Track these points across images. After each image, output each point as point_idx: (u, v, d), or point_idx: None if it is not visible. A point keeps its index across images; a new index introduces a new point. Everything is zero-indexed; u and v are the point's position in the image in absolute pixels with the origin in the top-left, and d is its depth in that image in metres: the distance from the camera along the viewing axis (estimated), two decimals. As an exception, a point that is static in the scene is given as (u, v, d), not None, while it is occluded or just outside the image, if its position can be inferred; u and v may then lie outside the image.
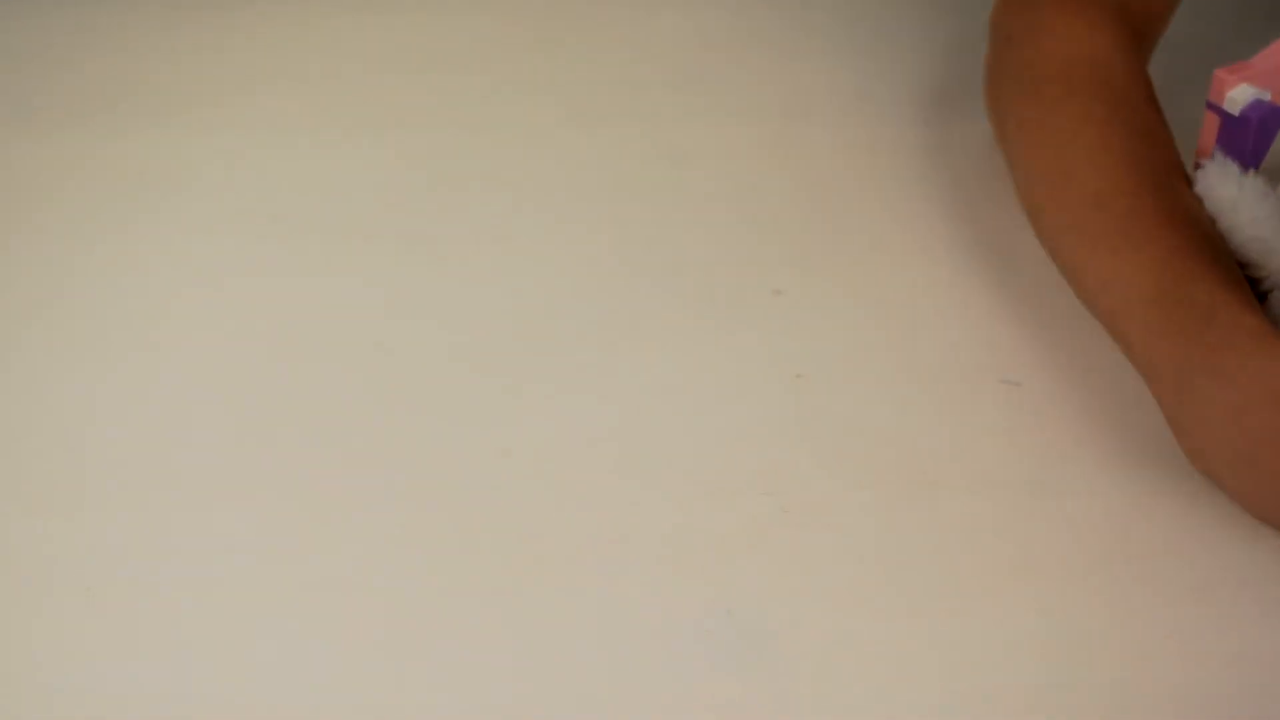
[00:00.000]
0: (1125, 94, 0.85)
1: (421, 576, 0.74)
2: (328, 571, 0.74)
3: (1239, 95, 0.83)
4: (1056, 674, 0.69)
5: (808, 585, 0.74)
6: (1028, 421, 0.83)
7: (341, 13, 1.34)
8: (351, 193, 1.06)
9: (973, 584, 0.74)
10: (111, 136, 1.14)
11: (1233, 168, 0.83)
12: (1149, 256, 0.78)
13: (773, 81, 1.18)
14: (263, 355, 0.90)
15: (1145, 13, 0.88)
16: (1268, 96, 0.84)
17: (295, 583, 0.74)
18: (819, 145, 1.11)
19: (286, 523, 0.78)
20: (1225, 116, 0.84)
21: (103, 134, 1.14)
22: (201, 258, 0.99)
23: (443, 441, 0.82)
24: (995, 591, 0.73)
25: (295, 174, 1.09)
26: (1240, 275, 0.78)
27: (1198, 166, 0.86)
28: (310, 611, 0.72)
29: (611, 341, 0.90)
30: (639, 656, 0.70)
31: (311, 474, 0.81)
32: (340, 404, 0.85)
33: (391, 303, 0.95)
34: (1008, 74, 0.93)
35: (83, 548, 0.75)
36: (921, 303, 0.93)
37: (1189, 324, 0.74)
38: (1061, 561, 0.75)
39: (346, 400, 0.85)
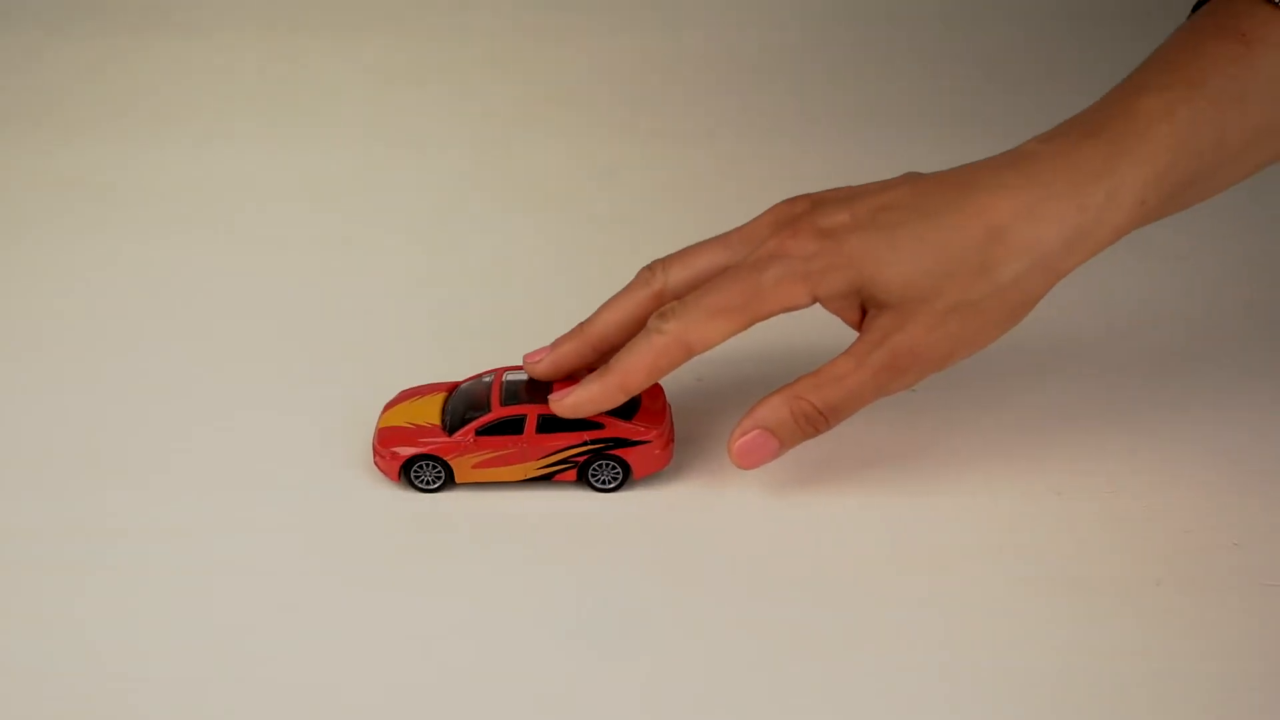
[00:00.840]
0: None
1: (316, 564, 0.75)
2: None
3: None
4: (912, 659, 0.70)
5: (686, 573, 0.75)
6: (918, 422, 0.85)
7: (301, 33, 1.34)
8: (281, 199, 1.07)
9: (841, 574, 0.75)
10: (71, 147, 1.15)
11: None
12: None
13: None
14: (198, 350, 0.91)
15: None
16: None
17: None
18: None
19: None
20: None
21: (63, 144, 1.15)
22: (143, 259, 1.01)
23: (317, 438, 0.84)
24: (855, 581, 0.74)
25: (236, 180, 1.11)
26: None
27: None
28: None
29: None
30: (534, 637, 0.71)
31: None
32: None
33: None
34: None
35: None
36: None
37: None
38: (924, 555, 0.76)
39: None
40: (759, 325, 0.77)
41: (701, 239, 0.81)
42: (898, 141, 1.17)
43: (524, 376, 0.81)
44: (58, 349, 0.91)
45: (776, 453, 0.77)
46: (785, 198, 0.80)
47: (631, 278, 0.81)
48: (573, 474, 0.79)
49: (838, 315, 0.79)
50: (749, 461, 0.77)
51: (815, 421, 0.77)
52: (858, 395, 0.76)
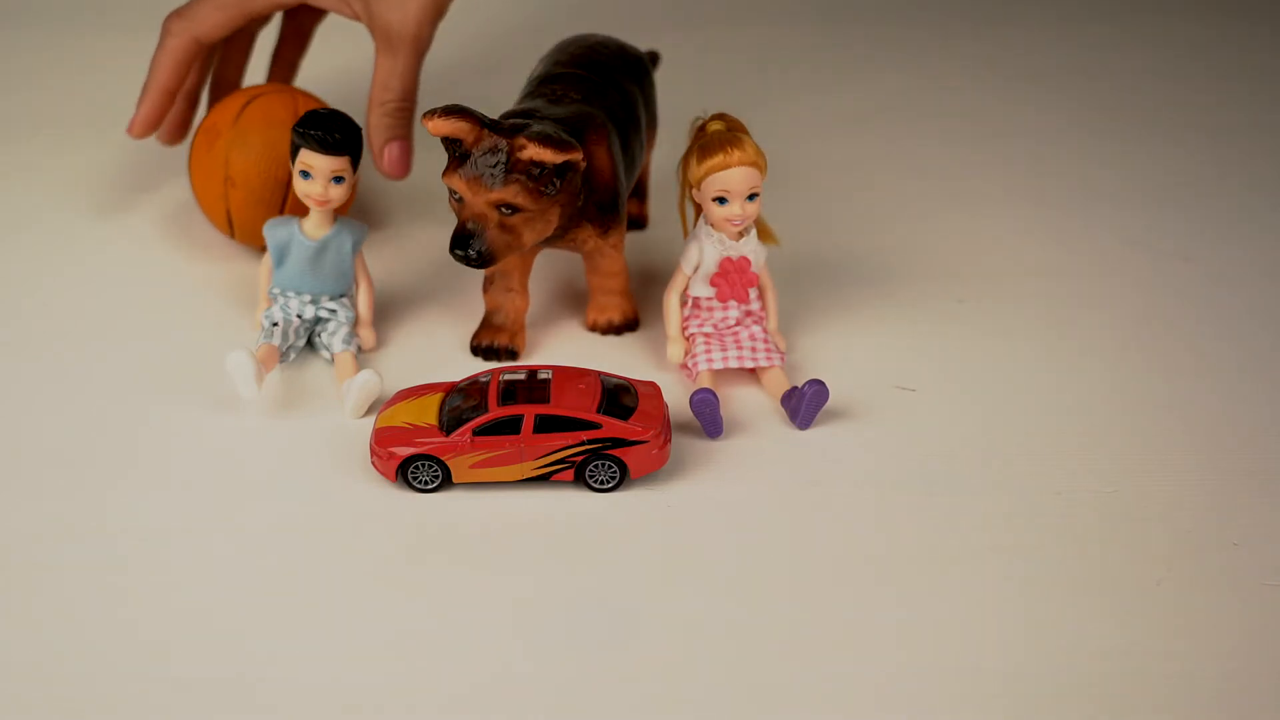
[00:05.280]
0: None
1: (341, 566, 0.75)
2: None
3: None
4: (914, 659, 0.70)
5: (683, 573, 0.75)
6: (917, 422, 0.85)
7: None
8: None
9: (842, 574, 0.74)
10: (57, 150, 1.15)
11: None
12: None
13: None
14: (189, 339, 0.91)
15: None
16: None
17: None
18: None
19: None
20: None
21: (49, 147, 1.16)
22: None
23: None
24: (857, 581, 0.74)
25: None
26: None
27: None
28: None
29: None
30: (533, 636, 0.71)
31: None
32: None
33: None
34: None
35: None
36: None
37: None
38: (925, 554, 0.76)
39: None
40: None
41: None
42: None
43: (521, 377, 0.81)
44: (55, 347, 0.91)
45: (410, 148, 0.96)
46: None
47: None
48: (570, 474, 0.79)
49: (334, 10, 0.96)
50: (404, 168, 0.96)
51: (405, 111, 0.95)
52: (410, 72, 0.94)
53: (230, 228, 0.97)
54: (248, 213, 0.96)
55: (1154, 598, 0.73)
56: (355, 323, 0.90)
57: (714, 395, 0.82)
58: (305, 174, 0.86)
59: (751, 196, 0.84)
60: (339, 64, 1.26)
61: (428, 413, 0.80)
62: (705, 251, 0.86)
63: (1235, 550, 0.76)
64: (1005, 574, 0.74)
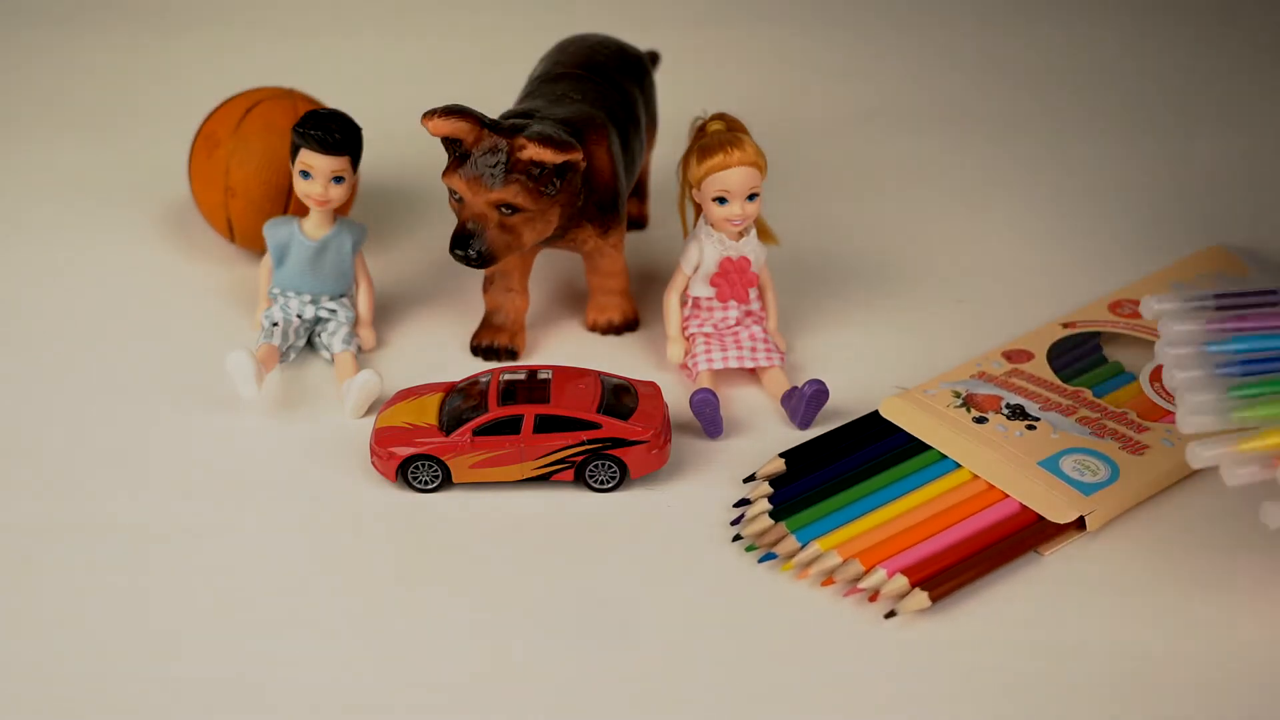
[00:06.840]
0: None
1: (372, 568, 0.75)
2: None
3: None
4: (913, 659, 0.70)
5: (682, 572, 0.75)
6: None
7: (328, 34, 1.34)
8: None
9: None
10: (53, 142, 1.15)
11: None
12: None
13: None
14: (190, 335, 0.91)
15: None
16: None
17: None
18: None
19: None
20: None
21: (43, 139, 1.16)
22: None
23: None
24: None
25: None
26: None
27: None
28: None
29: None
30: (533, 636, 0.71)
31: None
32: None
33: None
34: None
35: None
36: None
37: None
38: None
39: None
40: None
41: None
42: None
43: (521, 377, 0.81)
44: (55, 347, 0.91)
45: None
46: None
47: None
48: (570, 474, 0.79)
49: None
50: None
51: None
52: None
53: (231, 233, 0.97)
54: (249, 220, 0.96)
55: (1154, 598, 0.73)
56: (355, 323, 0.90)
57: (714, 395, 0.82)
58: (305, 174, 0.86)
59: (751, 196, 0.84)
60: (339, 64, 1.26)
61: (428, 413, 0.80)
62: (705, 251, 0.86)
63: (1234, 550, 0.76)
64: (1004, 573, 0.74)
